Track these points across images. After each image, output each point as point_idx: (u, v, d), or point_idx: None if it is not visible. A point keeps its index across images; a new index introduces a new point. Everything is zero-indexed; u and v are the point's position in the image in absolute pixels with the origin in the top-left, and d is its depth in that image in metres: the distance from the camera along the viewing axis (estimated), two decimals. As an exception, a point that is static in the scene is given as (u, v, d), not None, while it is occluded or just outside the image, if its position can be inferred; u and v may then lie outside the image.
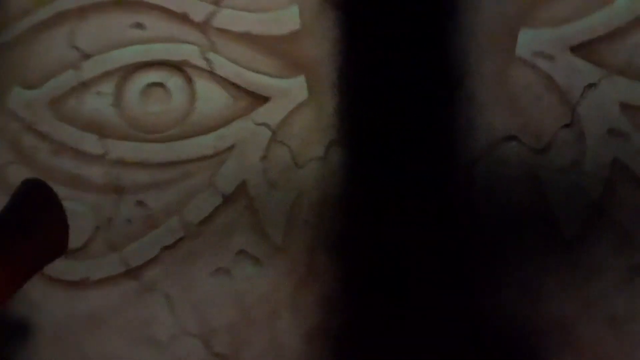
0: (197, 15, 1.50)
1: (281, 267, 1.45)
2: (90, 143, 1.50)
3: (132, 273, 1.45)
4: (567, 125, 1.25)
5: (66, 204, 0.65)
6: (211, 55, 1.49)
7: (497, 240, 1.31)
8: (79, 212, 1.45)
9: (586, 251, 1.23)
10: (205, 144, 1.48)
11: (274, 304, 1.45)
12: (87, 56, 1.53)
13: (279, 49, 1.49)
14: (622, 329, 1.23)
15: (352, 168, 1.46)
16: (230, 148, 1.47)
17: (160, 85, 1.51)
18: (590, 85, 1.24)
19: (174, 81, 1.51)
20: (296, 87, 1.48)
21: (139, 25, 1.53)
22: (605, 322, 1.23)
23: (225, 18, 1.50)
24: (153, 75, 1.52)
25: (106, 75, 1.52)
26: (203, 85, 1.48)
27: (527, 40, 1.28)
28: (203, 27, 1.50)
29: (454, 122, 1.36)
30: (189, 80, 1.50)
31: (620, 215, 1.24)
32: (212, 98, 1.48)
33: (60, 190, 0.69)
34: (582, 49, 1.25)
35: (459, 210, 1.35)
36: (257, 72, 1.48)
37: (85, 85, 1.52)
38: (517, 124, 1.29)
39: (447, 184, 1.37)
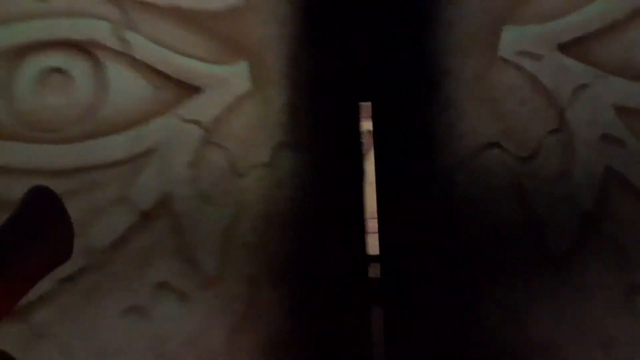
0: (111, -16, 1.25)
1: (214, 303, 1.21)
2: (-33, 144, 1.22)
3: (18, 314, 1.15)
4: (554, 131, 1.17)
5: None
6: (128, 34, 1.23)
7: (479, 255, 1.21)
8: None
9: (577, 268, 1.16)
10: (117, 145, 1.22)
11: (205, 350, 1.20)
12: (-33, 33, 1.24)
13: (215, 28, 1.24)
14: (617, 354, 1.14)
15: (305, 177, 1.24)
16: (151, 152, 1.21)
17: (60, 71, 1.23)
18: (581, 87, 1.17)
19: (78, 66, 1.23)
20: (236, 76, 1.24)
21: (38, -5, 1.25)
22: (599, 347, 1.15)
23: (148, -12, 1.25)
24: (52, 58, 1.23)
25: (-8, 57, 1.23)
26: (116, 71, 1.23)
27: (511, 38, 1.19)
28: (118, -2, 1.24)
29: (431, 127, 1.23)
30: (99, 65, 1.23)
31: (614, 230, 1.16)
32: (127, 88, 1.23)
33: None
34: (573, 46, 1.18)
35: (438, 224, 1.22)
36: (187, 55, 1.23)
37: (-37, 69, 1.23)
38: (500, 129, 1.20)
39: (424, 195, 1.23)
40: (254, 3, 1.24)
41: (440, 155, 1.21)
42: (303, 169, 1.23)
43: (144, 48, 1.22)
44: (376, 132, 1.29)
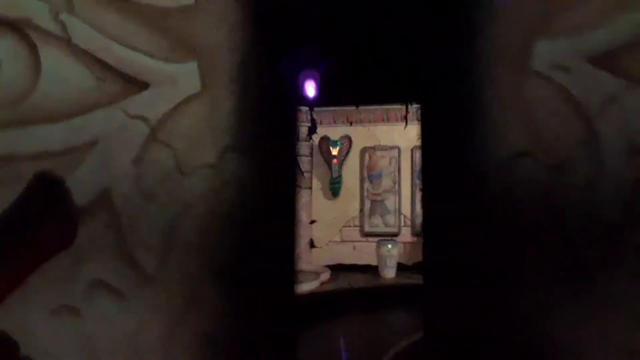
0: (51, -38, 1.12)
1: (152, 300, 1.17)
2: None
3: None
4: (584, 141, 1.16)
5: None
6: (66, 18, 1.13)
7: (508, 257, 1.22)
8: None
9: (604, 278, 1.14)
10: (52, 136, 1.11)
11: (142, 346, 1.16)
12: None
13: (166, 26, 1.19)
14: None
15: (247, 180, 1.25)
16: (91, 144, 1.13)
17: (-15, 48, 1.08)
18: (611, 98, 1.14)
19: (6, 46, 1.11)
20: (186, 75, 1.21)
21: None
22: (623, 356, 1.12)
23: (92, -28, 1.14)
24: (-25, 34, 1.08)
25: None
26: (52, 56, 1.12)
27: (543, 52, 1.20)
28: (58, -22, 1.12)
29: (468, 135, 1.25)
30: (32, 48, 1.12)
31: (642, 240, 1.20)
32: (65, 75, 1.13)
33: None
34: (603, 59, 1.15)
35: (469, 228, 1.23)
36: (135, 49, 1.17)
37: None
38: (531, 139, 1.21)
39: (458, 201, 1.25)
40: (204, 4, 1.21)
41: (477, 162, 1.23)
42: (246, 172, 1.23)
43: (86, 35, 1.13)
44: (424, 133, 1.33)
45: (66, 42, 1.13)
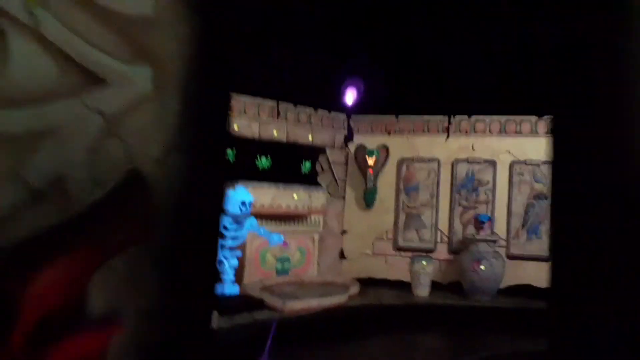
0: (28, -42, 1.20)
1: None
2: None
3: None
4: None
5: None
6: (39, 12, 1.20)
7: None
8: None
9: None
10: (13, 120, 1.17)
11: None
12: None
13: (125, 30, 1.28)
14: None
15: (187, 174, 1.33)
16: (50, 132, 1.20)
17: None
18: None
19: None
20: (140, 77, 1.29)
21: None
22: None
23: (66, -26, 1.22)
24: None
25: None
26: (21, 45, 1.19)
27: None
28: (33, -25, 1.20)
29: (605, 142, 1.14)
30: (1, 34, 1.18)
31: None
32: (32, 64, 1.20)
33: None
34: None
35: (606, 251, 1.10)
36: (96, 47, 1.25)
37: None
38: None
39: (592, 221, 1.14)
40: (162, 16, 1.29)
41: (614, 178, 1.13)
42: (187, 167, 1.30)
43: (54, 29, 1.20)
44: (556, 145, 1.24)
45: (36, 34, 1.19)
